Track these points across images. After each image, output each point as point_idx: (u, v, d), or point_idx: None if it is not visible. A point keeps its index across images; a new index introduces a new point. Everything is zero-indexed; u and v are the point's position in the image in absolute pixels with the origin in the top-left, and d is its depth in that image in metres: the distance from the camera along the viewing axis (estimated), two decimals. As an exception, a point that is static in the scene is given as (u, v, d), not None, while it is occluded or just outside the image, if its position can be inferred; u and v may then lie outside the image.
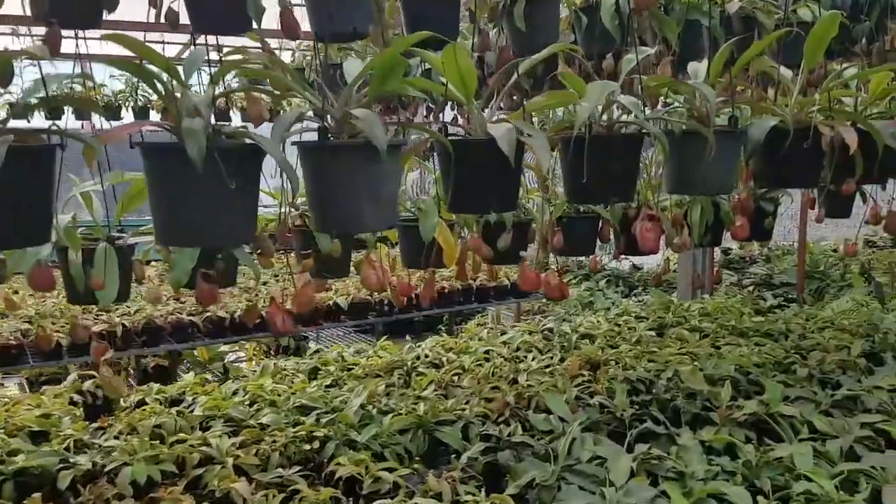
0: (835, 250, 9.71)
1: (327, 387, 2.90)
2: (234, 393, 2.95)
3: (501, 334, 3.75)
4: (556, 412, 2.48)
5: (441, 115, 2.50)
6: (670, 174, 2.14)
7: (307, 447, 2.35)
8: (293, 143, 1.69)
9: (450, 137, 1.83)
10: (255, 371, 3.37)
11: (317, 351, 3.75)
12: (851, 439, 2.23)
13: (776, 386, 2.56)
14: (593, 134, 1.92)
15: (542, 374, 3.01)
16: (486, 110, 1.91)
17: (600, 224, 3.07)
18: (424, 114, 4.90)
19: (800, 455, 2.04)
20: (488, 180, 1.79)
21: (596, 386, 2.86)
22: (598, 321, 4.04)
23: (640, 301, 8.61)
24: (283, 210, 1.79)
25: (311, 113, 1.64)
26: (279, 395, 2.79)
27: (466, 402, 2.71)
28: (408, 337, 7.68)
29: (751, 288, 8.79)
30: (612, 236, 3.08)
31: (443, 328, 7.18)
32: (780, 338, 3.68)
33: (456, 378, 3.04)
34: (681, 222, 2.47)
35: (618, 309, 4.32)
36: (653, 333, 3.77)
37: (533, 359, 3.35)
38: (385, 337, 3.97)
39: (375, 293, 5.17)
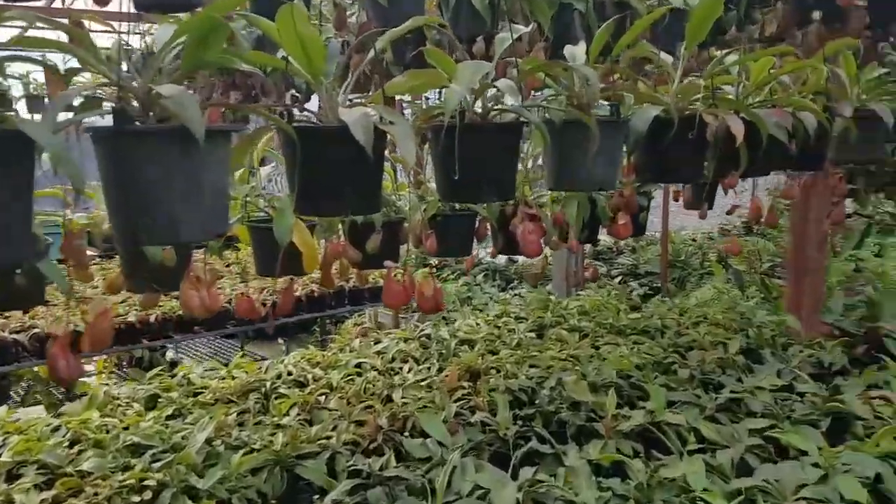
0: (693, 240, 10.16)
1: (168, 418, 2.48)
2: (55, 430, 2.47)
3: (375, 343, 3.44)
4: (434, 436, 2.20)
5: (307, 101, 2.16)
6: (551, 169, 1.91)
7: (136, 499, 1.94)
8: (87, 130, 1.30)
9: (296, 124, 1.50)
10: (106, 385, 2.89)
11: (173, 364, 3.29)
12: (742, 449, 2.10)
13: (660, 391, 2.41)
14: (466, 123, 1.66)
15: (419, 388, 2.73)
16: (342, 94, 1.59)
17: (477, 222, 2.84)
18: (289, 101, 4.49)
19: (693, 473, 1.88)
20: (342, 176, 1.47)
21: (477, 399, 2.62)
22: (476, 324, 3.82)
23: (517, 294, 8.59)
24: (66, 214, 1.39)
25: (113, 92, 1.26)
26: (107, 433, 2.34)
27: (334, 428, 2.38)
28: (280, 340, 7.20)
29: (619, 278, 9.02)
30: (489, 234, 2.86)
31: (317, 329, 6.78)
32: (657, 335, 3.61)
33: (323, 398, 2.70)
34: (562, 222, 2.26)
35: (496, 309, 4.13)
36: (533, 335, 3.60)
37: (409, 370, 3.07)
38: (252, 341, 3.56)
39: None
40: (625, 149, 2.02)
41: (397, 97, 2.45)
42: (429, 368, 3.06)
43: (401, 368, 3.09)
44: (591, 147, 1.71)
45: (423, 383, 2.80)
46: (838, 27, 2.96)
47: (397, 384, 2.79)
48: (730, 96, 2.22)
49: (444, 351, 3.28)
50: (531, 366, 3.05)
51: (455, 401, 2.63)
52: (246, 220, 2.52)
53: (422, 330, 3.62)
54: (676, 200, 3.38)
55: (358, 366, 3.14)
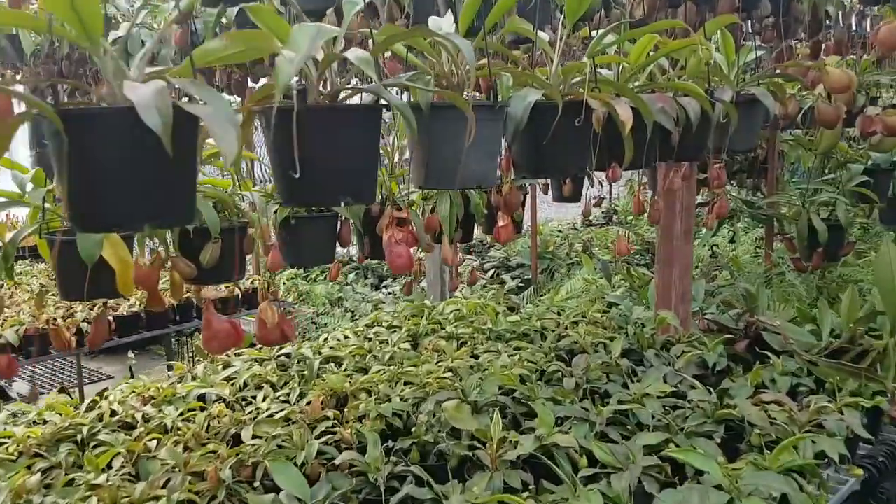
0: (560, 231, 10.31)
1: (-55, 490, 1.94)
2: None
3: (223, 368, 2.99)
4: (288, 488, 1.83)
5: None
6: (419, 163, 1.60)
7: None
8: None
9: (66, 108, 1.09)
10: None
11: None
12: (638, 472, 1.89)
13: (547, 410, 2.17)
14: (308, 105, 1.30)
15: (275, 423, 2.34)
16: (136, 65, 1.19)
17: (339, 224, 2.49)
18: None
19: (592, 511, 1.64)
20: (131, 176, 1.08)
21: (343, 432, 2.27)
22: (345, 337, 3.45)
23: (391, 293, 8.29)
24: None
25: None
26: None
27: (165, 485, 1.95)
28: (130, 353, 6.44)
29: (492, 272, 8.96)
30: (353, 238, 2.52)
31: (163, 349, 6.14)
32: (538, 337, 3.41)
33: (154, 444, 2.24)
34: (436, 226, 1.96)
35: (367, 319, 3.77)
36: (408, 346, 3.29)
37: (265, 399, 2.66)
38: (96, 357, 3.00)
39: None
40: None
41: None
42: (288, 395, 2.67)
43: (254, 398, 2.68)
44: (467, 136, 1.41)
45: (279, 415, 2.41)
46: (708, 9, 2.86)
47: (248, 419, 2.38)
48: (610, 78, 2.01)
49: (306, 372, 2.90)
50: (407, 383, 2.73)
51: (319, 435, 2.26)
52: (44, 231, 2.04)
53: (280, 348, 3.21)
54: (546, 193, 3.21)
55: (201, 398, 2.69)
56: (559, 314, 3.84)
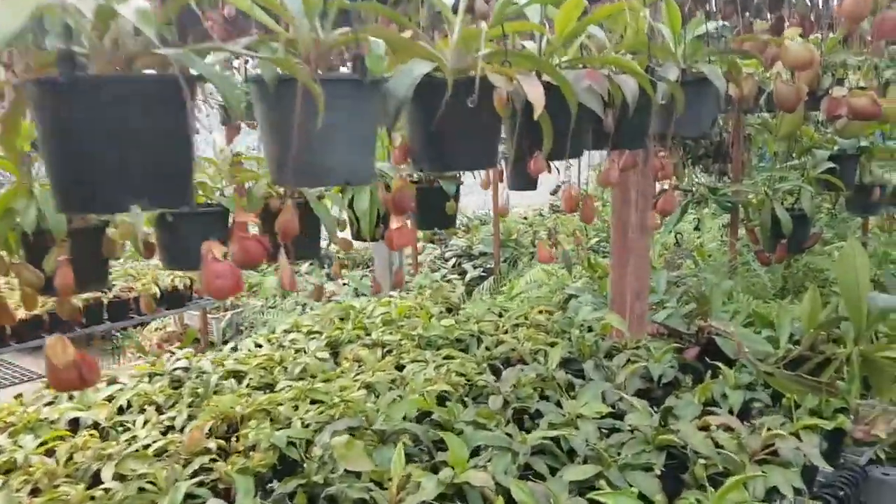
0: (525, 218, 10.05)
1: None
2: None
3: (109, 384, 2.65)
4: (129, 553, 1.52)
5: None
6: (268, 153, 1.29)
7: None
8: None
9: None
10: None
11: None
12: (561, 521, 1.62)
13: (461, 443, 1.88)
14: (79, 75, 0.97)
15: (144, 458, 2.01)
16: None
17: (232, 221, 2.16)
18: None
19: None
20: None
21: (223, 469, 1.95)
22: (256, 345, 3.13)
23: (345, 284, 7.95)
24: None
25: None
26: None
27: (-12, 545, 1.63)
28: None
29: (454, 261, 8.68)
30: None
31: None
32: (473, 343, 3.13)
33: (-4, 486, 1.91)
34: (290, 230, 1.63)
35: (286, 323, 3.45)
36: (326, 355, 2.98)
37: (145, 424, 2.33)
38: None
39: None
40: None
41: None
42: (174, 419, 2.34)
43: (134, 423, 2.34)
44: (316, 119, 1.10)
45: (154, 447, 2.08)
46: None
47: (116, 452, 2.05)
48: (530, 53, 1.70)
49: (201, 390, 2.57)
50: (315, 401, 2.43)
51: (194, 473, 1.95)
52: None
53: (177, 360, 2.88)
54: (501, 181, 2.91)
55: (74, 423, 2.35)
56: (500, 315, 3.56)
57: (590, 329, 3.29)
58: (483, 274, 7.82)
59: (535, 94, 1.36)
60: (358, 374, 2.72)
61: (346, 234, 2.55)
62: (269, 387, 2.65)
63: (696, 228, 8.06)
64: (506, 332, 3.24)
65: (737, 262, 5.16)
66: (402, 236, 1.56)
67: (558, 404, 2.30)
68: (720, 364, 2.49)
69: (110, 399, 2.53)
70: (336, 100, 1.21)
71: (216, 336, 7.67)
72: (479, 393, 2.50)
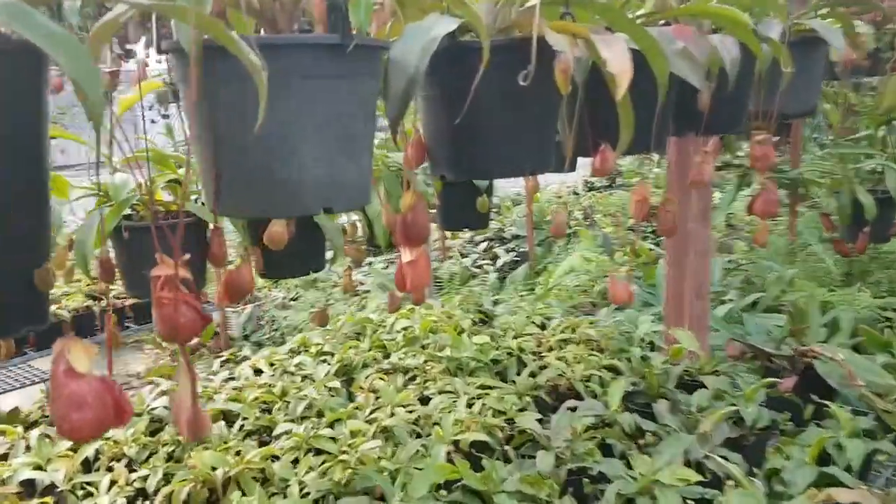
0: (559, 196, 9.51)
1: None
2: None
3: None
4: None
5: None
6: (203, 162, 0.84)
7: None
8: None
9: None
10: None
11: None
12: None
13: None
14: None
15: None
16: None
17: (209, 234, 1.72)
18: None
19: None
20: None
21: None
22: (255, 371, 2.71)
23: (368, 275, 7.49)
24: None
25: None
26: None
27: None
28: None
29: (485, 244, 8.20)
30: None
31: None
32: (513, 366, 2.68)
33: None
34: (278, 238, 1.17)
35: (293, 341, 3.02)
36: (338, 384, 2.55)
37: (111, 487, 1.92)
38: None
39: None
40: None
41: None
42: (145, 480, 1.94)
43: (98, 485, 1.94)
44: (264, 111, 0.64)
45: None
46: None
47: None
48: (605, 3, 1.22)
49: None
50: (319, 452, 2.01)
51: (158, 567, 1.53)
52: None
53: (160, 392, 2.47)
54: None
55: (28, 483, 1.96)
56: (543, 327, 3.10)
57: (652, 346, 2.82)
58: (516, 259, 7.35)
59: (620, 63, 0.89)
60: (374, 410, 2.28)
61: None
62: (267, 430, 2.23)
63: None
64: (550, 350, 2.78)
65: (796, 246, 4.67)
66: (418, 274, 1.11)
67: (626, 461, 1.84)
68: (827, 403, 2.01)
69: (76, 449, 2.13)
70: (300, 79, 0.76)
71: (236, 331, 7.34)
72: (523, 441, 2.06)
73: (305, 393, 2.43)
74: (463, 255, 7.89)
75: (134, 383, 5.65)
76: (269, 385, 2.50)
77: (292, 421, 2.25)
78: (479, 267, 7.23)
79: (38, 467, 2.02)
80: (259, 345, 5.77)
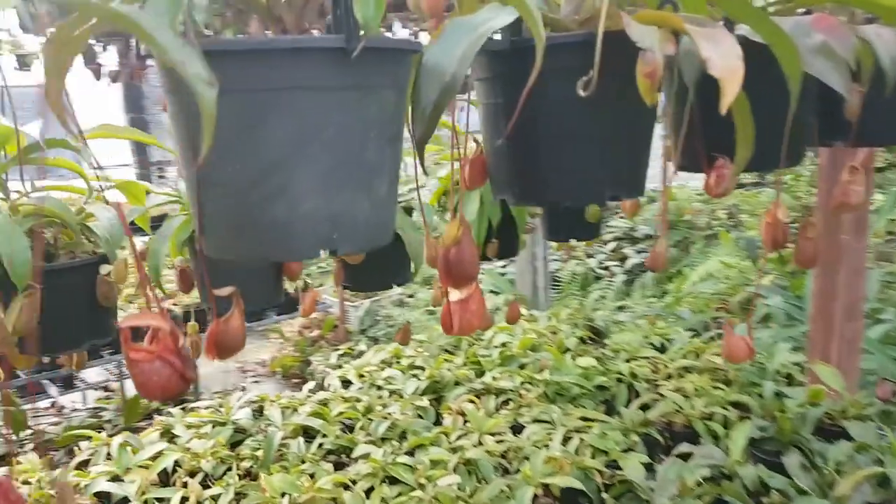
0: (700, 194, 8.92)
1: None
2: None
3: (161, 434, 2.24)
4: None
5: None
6: (188, 198, 0.70)
7: None
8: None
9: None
10: None
11: None
12: None
13: None
14: None
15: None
16: None
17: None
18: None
19: None
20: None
21: None
22: (342, 382, 2.63)
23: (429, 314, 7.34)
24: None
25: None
26: None
27: None
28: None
29: (613, 244, 7.84)
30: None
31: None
32: (622, 394, 2.44)
33: None
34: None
35: (386, 352, 2.91)
36: (426, 403, 2.42)
37: None
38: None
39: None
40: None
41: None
42: (217, 499, 1.88)
43: (170, 501, 1.90)
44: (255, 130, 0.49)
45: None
46: None
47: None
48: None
49: (261, 452, 2.10)
50: (394, 482, 1.88)
51: None
52: None
53: (248, 402, 2.43)
54: (669, 160, 2.20)
55: (103, 496, 1.96)
56: (662, 349, 2.83)
57: (788, 380, 2.49)
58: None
59: (726, 64, 0.67)
60: (460, 436, 2.13)
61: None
62: (346, 451, 2.13)
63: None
64: (668, 379, 2.52)
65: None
66: (468, 315, 0.93)
67: (744, 529, 1.58)
68: None
69: (157, 457, 2.12)
70: (292, 92, 0.60)
71: (354, 324, 7.44)
72: (624, 491, 1.83)
73: (390, 411, 2.31)
74: (589, 256, 7.56)
75: (259, 371, 5.83)
76: (356, 400, 2.41)
77: (373, 442, 2.14)
78: (606, 268, 6.88)
79: (116, 477, 2.01)
80: (375, 339, 5.77)
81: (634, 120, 0.87)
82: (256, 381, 5.84)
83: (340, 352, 3.27)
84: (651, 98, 0.69)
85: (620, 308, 4.96)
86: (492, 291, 6.37)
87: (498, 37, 0.87)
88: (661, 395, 2.34)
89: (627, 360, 2.65)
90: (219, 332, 0.71)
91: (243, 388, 5.44)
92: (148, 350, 0.69)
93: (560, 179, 0.88)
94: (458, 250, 0.85)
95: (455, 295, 0.93)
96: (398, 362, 2.76)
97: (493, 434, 2.14)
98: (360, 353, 4.89)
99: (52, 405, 4.39)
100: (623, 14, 0.67)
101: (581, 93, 0.66)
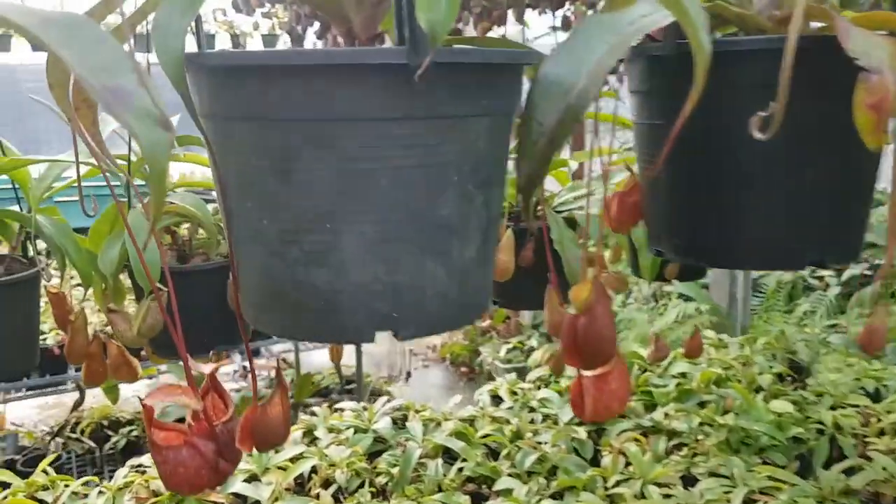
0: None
1: None
2: None
3: (304, 435, 2.23)
4: None
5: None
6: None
7: None
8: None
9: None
10: None
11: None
12: None
13: None
14: None
15: None
16: None
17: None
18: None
19: None
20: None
21: None
22: (494, 396, 2.48)
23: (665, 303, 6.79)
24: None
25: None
26: None
27: None
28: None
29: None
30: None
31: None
32: (822, 448, 2.09)
33: None
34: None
35: (524, 389, 2.64)
36: (583, 434, 2.21)
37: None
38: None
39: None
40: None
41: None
42: (344, 518, 1.82)
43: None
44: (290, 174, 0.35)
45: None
46: None
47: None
48: None
49: (396, 470, 2.01)
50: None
51: None
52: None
53: (393, 408, 2.36)
54: None
55: (239, 498, 1.97)
56: (876, 396, 2.41)
57: None
58: (868, 272, 6.12)
59: None
60: (619, 482, 1.92)
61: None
62: (486, 482, 1.99)
63: None
64: (880, 435, 2.12)
65: None
66: (606, 396, 0.74)
67: None
68: None
69: (297, 458, 2.10)
70: (338, 125, 0.45)
71: (527, 318, 7.34)
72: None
73: (541, 440, 2.14)
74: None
75: (430, 355, 5.88)
76: (505, 421, 2.26)
77: (518, 476, 1.98)
78: (819, 278, 6.17)
79: (254, 477, 2.02)
80: (549, 338, 5.60)
81: (852, 161, 0.63)
82: (425, 366, 5.87)
83: (510, 345, 3.15)
84: (876, 140, 0.46)
85: (832, 326, 4.39)
86: (681, 296, 5.90)
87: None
88: (869, 456, 1.97)
89: (832, 408, 2.28)
90: (256, 421, 0.58)
91: (408, 374, 5.51)
92: (178, 430, 0.58)
93: (741, 236, 0.66)
94: (590, 321, 0.66)
95: (590, 370, 0.74)
96: (556, 382, 2.57)
97: (659, 484, 1.90)
98: (531, 350, 4.73)
99: (237, 371, 4.69)
100: (835, 15, 0.45)
101: (757, 135, 0.45)
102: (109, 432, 3.95)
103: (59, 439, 3.91)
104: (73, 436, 3.93)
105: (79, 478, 2.07)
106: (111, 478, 2.05)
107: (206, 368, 0.61)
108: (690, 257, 0.72)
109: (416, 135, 0.48)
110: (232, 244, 0.53)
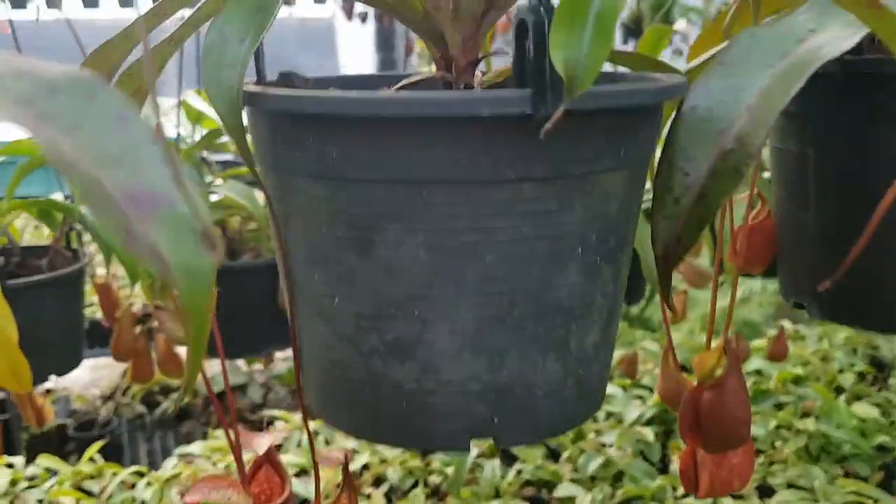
0: None
1: None
2: None
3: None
4: None
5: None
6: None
7: None
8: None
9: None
10: None
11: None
12: None
13: None
14: None
15: None
16: None
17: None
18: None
19: None
20: None
21: None
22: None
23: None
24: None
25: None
26: None
27: None
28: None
29: None
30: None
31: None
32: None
33: None
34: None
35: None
36: (651, 435, 2.10)
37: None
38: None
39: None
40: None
41: None
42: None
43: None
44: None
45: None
46: None
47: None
48: None
49: (452, 466, 1.94)
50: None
51: None
52: None
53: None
54: None
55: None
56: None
57: None
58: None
59: None
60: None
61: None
62: (547, 486, 1.90)
63: None
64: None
65: None
66: (725, 472, 0.64)
67: None
68: None
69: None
70: (420, 188, 0.35)
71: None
72: None
73: (605, 441, 2.03)
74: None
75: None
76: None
77: (580, 481, 1.88)
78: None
79: (303, 471, 1.97)
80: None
81: None
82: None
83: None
84: None
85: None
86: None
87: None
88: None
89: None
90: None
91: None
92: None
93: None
94: (718, 397, 0.55)
95: (707, 451, 0.63)
96: (619, 376, 2.45)
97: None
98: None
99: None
100: None
101: None
102: (160, 398, 3.99)
103: (110, 403, 3.96)
104: (125, 401, 3.97)
105: (129, 443, 2.05)
106: (161, 443, 2.02)
107: (261, 444, 0.53)
108: (844, 320, 0.60)
109: (534, 199, 0.37)
110: (294, 315, 0.44)
